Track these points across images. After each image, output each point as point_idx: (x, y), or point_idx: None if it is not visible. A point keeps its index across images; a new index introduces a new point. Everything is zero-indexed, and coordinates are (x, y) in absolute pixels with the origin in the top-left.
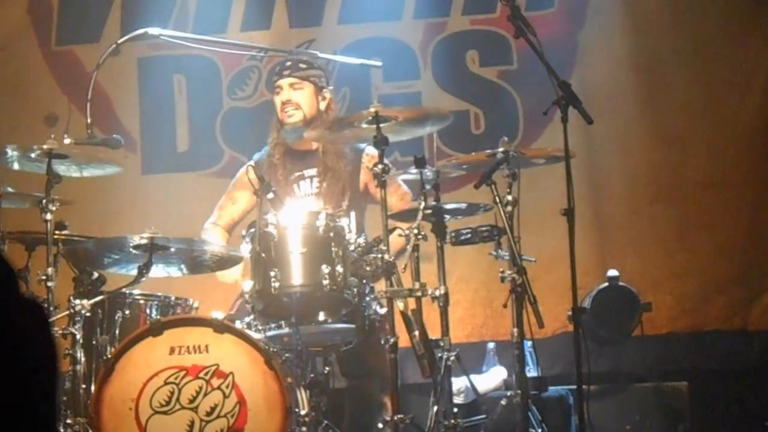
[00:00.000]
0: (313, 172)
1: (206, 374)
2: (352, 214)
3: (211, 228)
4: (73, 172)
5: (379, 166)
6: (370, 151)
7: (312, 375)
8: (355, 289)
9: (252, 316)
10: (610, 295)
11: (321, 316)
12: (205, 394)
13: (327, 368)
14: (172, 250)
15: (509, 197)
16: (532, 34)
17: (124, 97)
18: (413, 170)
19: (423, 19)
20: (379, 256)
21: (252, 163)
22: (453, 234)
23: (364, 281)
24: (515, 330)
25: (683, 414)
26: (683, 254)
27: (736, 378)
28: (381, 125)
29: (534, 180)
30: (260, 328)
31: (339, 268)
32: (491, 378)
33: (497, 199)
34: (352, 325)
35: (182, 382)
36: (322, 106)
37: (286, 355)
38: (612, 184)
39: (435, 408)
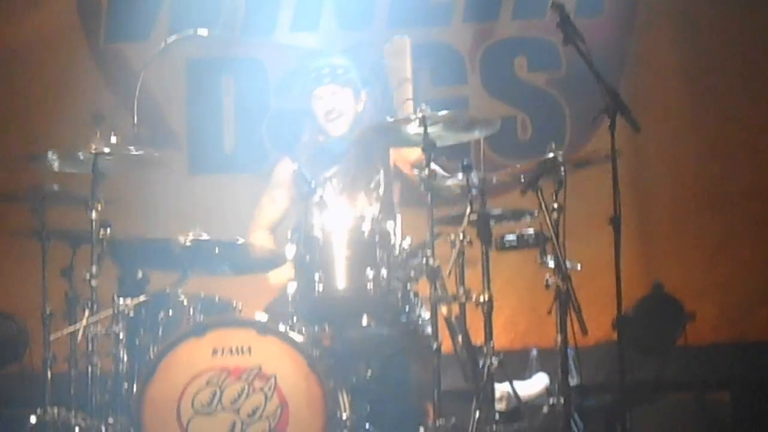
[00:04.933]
0: (345, 166)
1: (249, 376)
2: (398, 217)
3: (255, 230)
4: (118, 171)
5: (426, 171)
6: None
7: (354, 379)
8: (399, 294)
9: (295, 318)
10: (655, 304)
11: (364, 320)
12: (247, 396)
13: (369, 372)
14: (217, 251)
15: (555, 204)
16: (580, 41)
17: (171, 97)
18: (460, 176)
19: (472, 23)
20: (424, 260)
21: (295, 166)
22: (498, 240)
23: (408, 286)
24: (559, 337)
25: (726, 425)
26: (728, 264)
27: None
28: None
29: (580, 187)
30: (303, 330)
31: (383, 272)
32: (534, 385)
33: (543, 206)
34: (395, 330)
35: (224, 383)
36: (360, 107)
37: (329, 358)
38: (657, 193)
39: (477, 414)
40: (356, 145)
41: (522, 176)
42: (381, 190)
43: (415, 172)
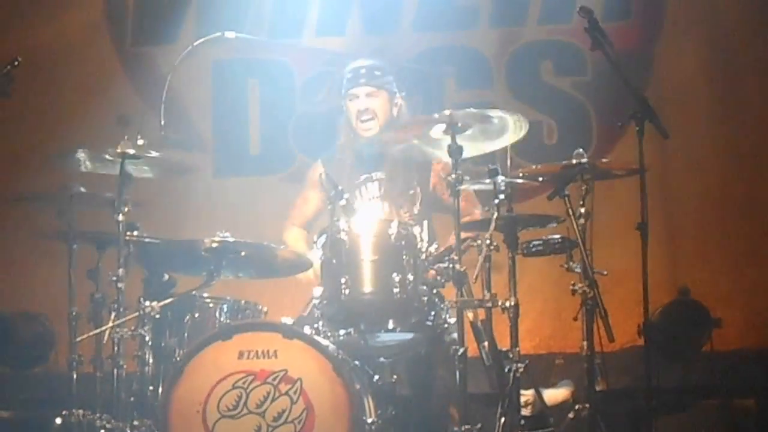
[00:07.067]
0: (380, 175)
1: (274, 379)
2: (425, 222)
3: (290, 227)
4: (145, 173)
5: (453, 176)
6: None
7: (380, 383)
8: (425, 298)
9: (321, 322)
10: (681, 310)
11: (390, 324)
12: (273, 400)
13: (395, 376)
14: (243, 253)
15: (582, 210)
16: (609, 46)
17: (197, 100)
18: (486, 180)
19: (498, 27)
20: (451, 265)
21: (323, 169)
22: (524, 245)
23: (435, 290)
24: (585, 343)
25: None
26: (754, 270)
27: None
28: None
29: (606, 193)
30: (329, 334)
31: (410, 276)
32: (559, 391)
33: (570, 211)
34: (421, 334)
35: (250, 386)
36: (395, 112)
37: (355, 362)
38: (683, 199)
39: (502, 419)
40: (392, 159)
41: (540, 178)
42: (416, 209)
43: (442, 176)
